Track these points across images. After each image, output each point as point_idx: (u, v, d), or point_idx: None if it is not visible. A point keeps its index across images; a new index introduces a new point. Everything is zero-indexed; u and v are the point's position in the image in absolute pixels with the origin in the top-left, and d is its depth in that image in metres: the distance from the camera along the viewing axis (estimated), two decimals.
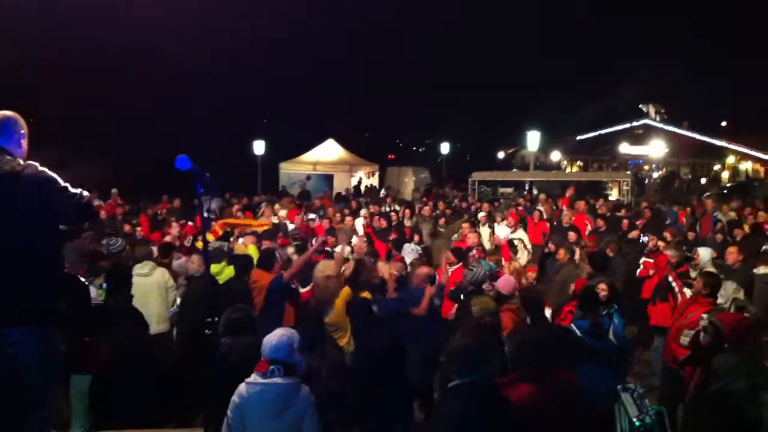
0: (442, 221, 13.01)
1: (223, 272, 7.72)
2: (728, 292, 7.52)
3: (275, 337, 4.20)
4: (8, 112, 3.88)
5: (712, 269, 8.00)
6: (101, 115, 27.68)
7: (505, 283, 6.68)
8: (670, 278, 8.13)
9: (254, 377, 4.09)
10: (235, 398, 4.08)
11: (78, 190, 3.72)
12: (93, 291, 6.96)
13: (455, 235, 11.22)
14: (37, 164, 3.68)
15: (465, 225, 11.12)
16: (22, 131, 3.86)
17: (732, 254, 8.76)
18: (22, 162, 3.65)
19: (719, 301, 7.23)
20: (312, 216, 12.88)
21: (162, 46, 29.05)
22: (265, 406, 3.99)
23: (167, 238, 10.65)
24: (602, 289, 6.62)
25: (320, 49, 46.75)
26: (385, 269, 7.72)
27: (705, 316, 5.75)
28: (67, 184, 3.70)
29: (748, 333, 5.03)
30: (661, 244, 9.74)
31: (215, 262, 7.76)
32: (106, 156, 22.87)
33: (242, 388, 4.08)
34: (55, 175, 3.67)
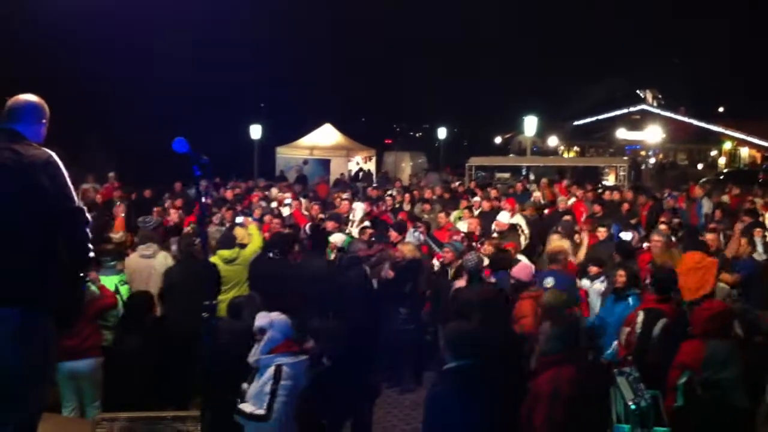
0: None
1: (240, 256, 7.70)
2: None
3: None
4: (32, 97, 3.51)
5: None
6: (97, 99, 27.46)
7: (522, 269, 6.53)
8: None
9: None
10: None
11: (77, 202, 3.40)
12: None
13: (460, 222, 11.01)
14: (52, 153, 3.35)
15: (467, 212, 11.15)
16: (44, 120, 3.53)
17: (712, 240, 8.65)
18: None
19: None
20: (274, 203, 12.67)
21: (159, 30, 28.85)
22: None
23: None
24: (620, 275, 6.64)
25: (317, 34, 46.41)
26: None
27: (641, 312, 5.73)
28: (74, 194, 3.39)
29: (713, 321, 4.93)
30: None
31: (226, 248, 7.69)
32: (103, 140, 22.74)
33: None
34: (65, 175, 3.36)
